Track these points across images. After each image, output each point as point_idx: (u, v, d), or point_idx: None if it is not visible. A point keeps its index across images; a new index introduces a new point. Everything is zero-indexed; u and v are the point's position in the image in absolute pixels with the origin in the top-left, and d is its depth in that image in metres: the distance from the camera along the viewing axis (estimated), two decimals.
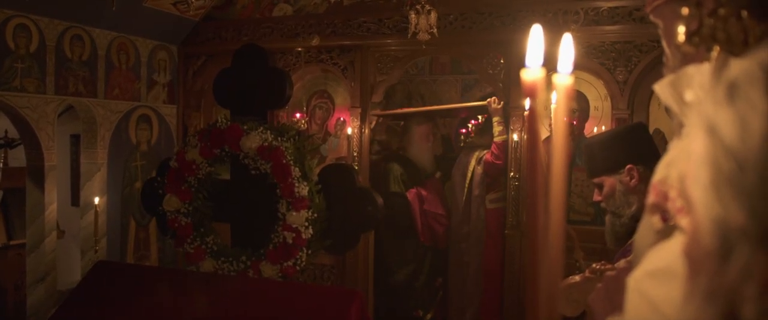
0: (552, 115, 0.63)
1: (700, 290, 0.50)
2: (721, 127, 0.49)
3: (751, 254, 0.46)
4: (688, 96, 0.82)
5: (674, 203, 0.77)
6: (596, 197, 2.31)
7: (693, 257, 0.53)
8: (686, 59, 0.88)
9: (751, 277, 0.46)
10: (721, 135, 0.49)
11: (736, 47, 0.75)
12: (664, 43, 0.99)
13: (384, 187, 4.99)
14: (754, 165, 0.46)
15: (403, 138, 5.34)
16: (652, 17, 1.01)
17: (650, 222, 0.85)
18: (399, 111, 5.71)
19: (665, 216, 0.82)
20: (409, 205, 5.04)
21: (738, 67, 0.51)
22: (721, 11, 0.74)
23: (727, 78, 0.51)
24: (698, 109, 0.56)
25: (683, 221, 0.75)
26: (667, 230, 0.81)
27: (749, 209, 0.46)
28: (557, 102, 0.60)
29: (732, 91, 0.50)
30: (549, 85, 0.61)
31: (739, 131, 0.48)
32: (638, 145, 2.24)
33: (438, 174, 5.33)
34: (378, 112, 5.34)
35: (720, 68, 0.77)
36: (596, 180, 2.28)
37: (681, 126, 0.88)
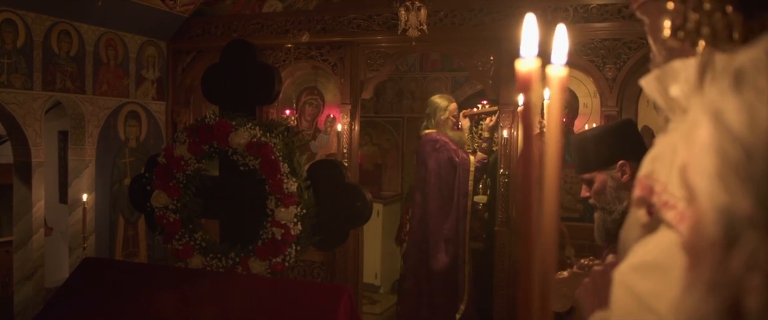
0: (545, 111, 0.63)
1: (703, 281, 0.50)
2: (727, 115, 0.49)
3: (758, 243, 0.46)
4: (674, 91, 0.82)
5: (659, 197, 0.77)
6: (584, 193, 2.28)
7: (695, 247, 0.52)
8: (672, 54, 0.88)
9: (756, 267, 0.45)
10: (728, 123, 0.48)
11: (721, 42, 0.75)
12: (650, 40, 1.00)
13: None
14: (762, 153, 0.46)
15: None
16: (638, 14, 1.01)
17: (636, 216, 0.86)
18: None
19: (651, 210, 0.82)
20: None
21: (745, 55, 0.50)
22: (706, 6, 0.75)
23: (733, 66, 0.50)
24: (701, 99, 0.56)
25: (668, 215, 0.76)
26: (653, 224, 0.81)
27: (757, 197, 0.46)
28: (551, 94, 0.60)
29: (739, 79, 0.49)
30: (542, 79, 0.60)
31: (747, 118, 0.47)
32: (630, 140, 2.23)
33: None
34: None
35: (705, 63, 0.77)
36: (586, 175, 2.26)
37: (667, 121, 0.88)
